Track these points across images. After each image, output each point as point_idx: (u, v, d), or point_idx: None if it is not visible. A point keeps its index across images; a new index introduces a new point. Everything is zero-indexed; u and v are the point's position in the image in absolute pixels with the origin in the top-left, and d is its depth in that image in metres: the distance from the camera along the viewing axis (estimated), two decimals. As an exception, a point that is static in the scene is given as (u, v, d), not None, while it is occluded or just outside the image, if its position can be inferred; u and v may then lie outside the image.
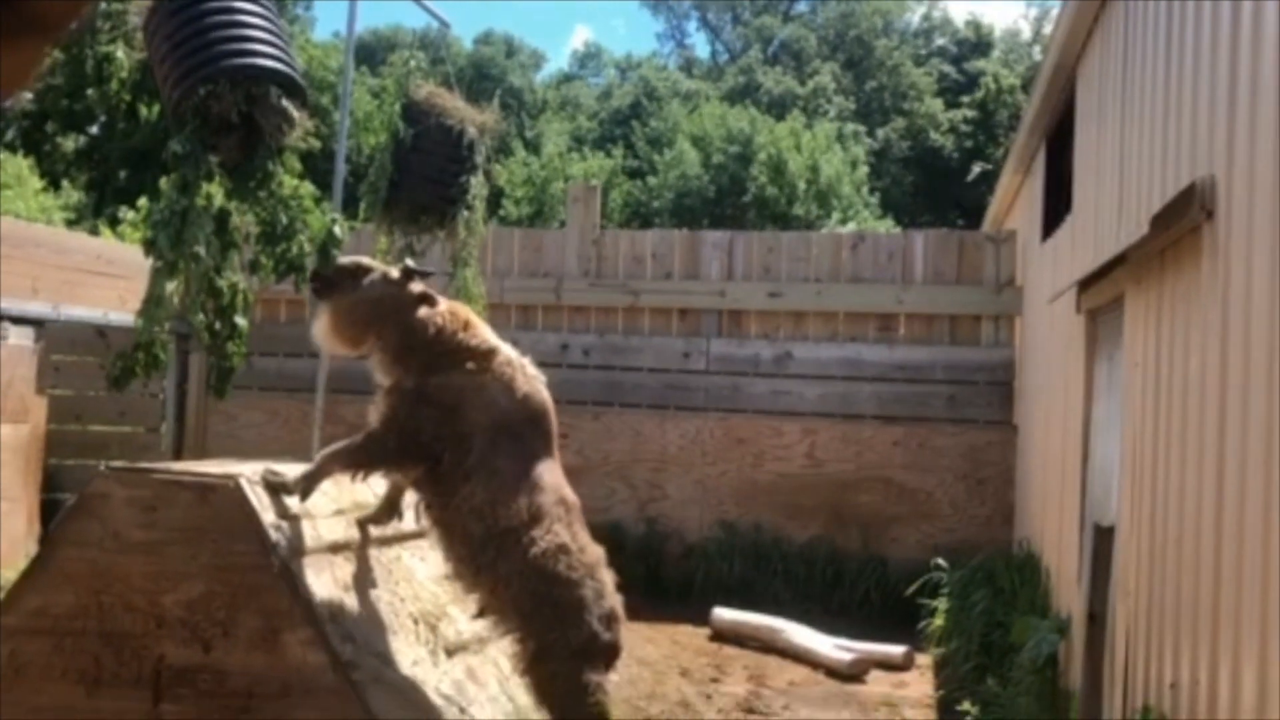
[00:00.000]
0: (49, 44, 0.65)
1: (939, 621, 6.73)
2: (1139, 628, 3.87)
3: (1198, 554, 3.17)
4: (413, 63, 5.05)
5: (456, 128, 4.82)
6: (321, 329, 4.03)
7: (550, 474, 3.82)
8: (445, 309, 4.01)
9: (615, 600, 3.73)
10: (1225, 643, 2.87)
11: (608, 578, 3.74)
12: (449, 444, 3.73)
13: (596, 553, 3.75)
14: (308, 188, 3.99)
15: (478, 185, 4.97)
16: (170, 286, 3.77)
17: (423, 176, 4.76)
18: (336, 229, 3.95)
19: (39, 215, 17.71)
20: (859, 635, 6.93)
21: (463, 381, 3.82)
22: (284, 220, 3.84)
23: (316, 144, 3.97)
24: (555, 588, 3.59)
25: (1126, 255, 4.09)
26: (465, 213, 4.95)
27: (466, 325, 3.96)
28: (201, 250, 3.71)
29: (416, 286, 4.00)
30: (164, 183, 3.73)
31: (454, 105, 4.92)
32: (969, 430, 8.26)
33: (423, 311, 3.95)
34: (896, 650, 6.73)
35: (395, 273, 4.02)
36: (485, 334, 3.99)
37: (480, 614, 3.83)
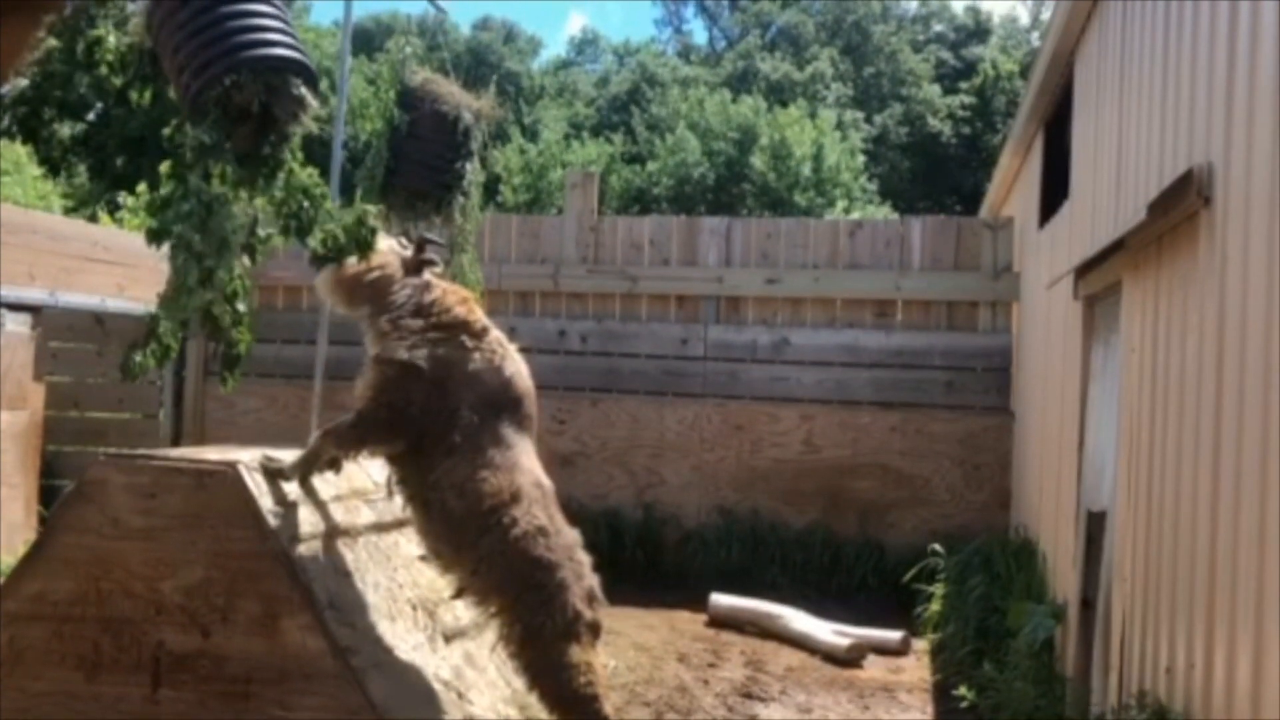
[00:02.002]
0: (41, 25, 0.65)
1: (936, 607, 6.76)
2: (1135, 612, 3.88)
3: (1194, 538, 3.18)
4: (408, 49, 5.04)
5: (452, 114, 4.81)
6: (325, 277, 4.12)
7: (527, 457, 3.86)
8: (444, 284, 4.10)
9: (593, 579, 3.76)
10: (1221, 627, 2.89)
11: (585, 558, 3.77)
12: (436, 418, 3.75)
13: (572, 534, 3.79)
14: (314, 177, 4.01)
15: (474, 171, 4.96)
16: (195, 276, 3.79)
17: (419, 163, 4.76)
18: (370, 219, 3.98)
19: (38, 202, 17.69)
20: (856, 621, 6.95)
21: (453, 355, 3.85)
22: (309, 209, 3.85)
23: (314, 128, 3.99)
24: (537, 570, 3.62)
25: (1124, 241, 4.10)
26: (461, 199, 4.95)
27: (464, 301, 4.04)
28: (230, 239, 3.74)
29: (423, 255, 4.11)
30: (190, 175, 3.71)
31: (449, 91, 4.91)
32: (966, 416, 8.28)
33: (426, 274, 4.05)
34: (893, 635, 6.75)
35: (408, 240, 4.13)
36: (479, 313, 4.05)
37: (458, 594, 3.85)
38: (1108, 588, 4.46)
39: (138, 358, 4.03)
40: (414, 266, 4.07)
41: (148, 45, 3.88)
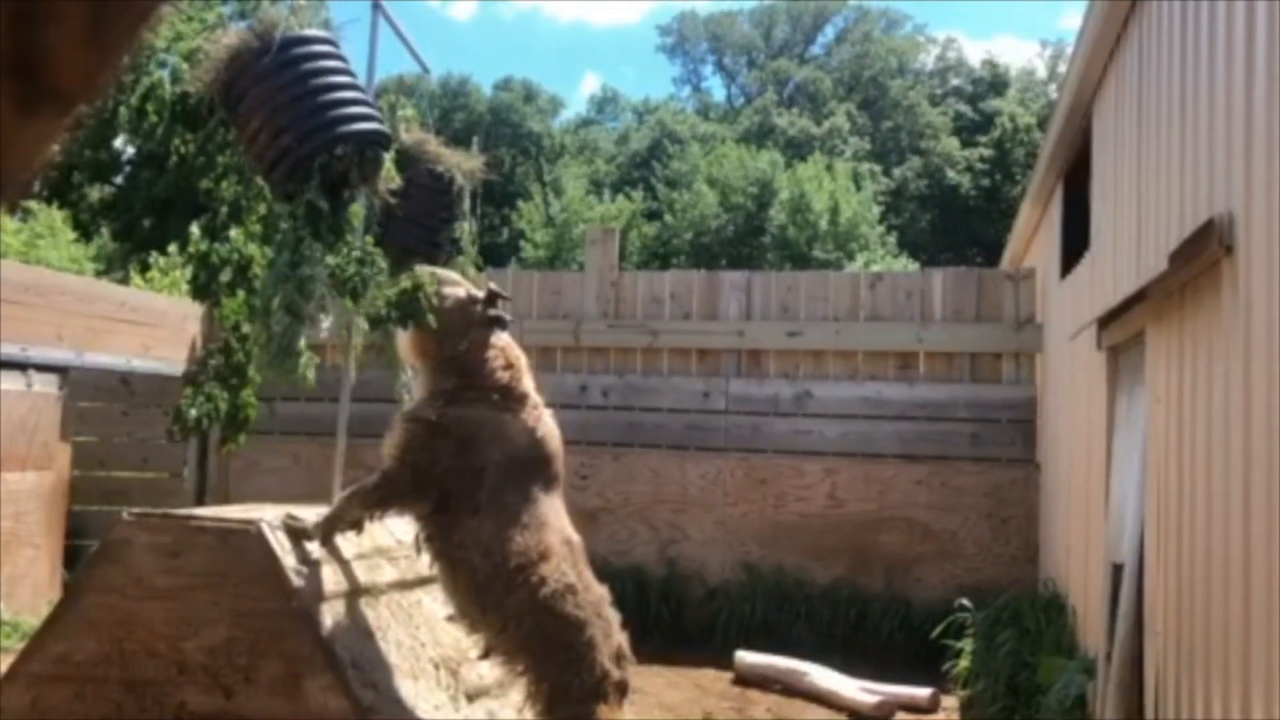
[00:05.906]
0: (68, 118, 0.64)
1: (965, 663, 6.65)
2: (1168, 666, 3.81)
3: (1226, 591, 3.13)
4: (400, 111, 5.11)
5: (447, 174, 4.87)
6: (404, 340, 4.12)
7: (555, 514, 3.83)
8: (501, 344, 4.03)
9: (622, 637, 3.72)
10: (1257, 682, 2.83)
11: (613, 615, 3.74)
12: (461, 477, 3.74)
13: (600, 591, 3.76)
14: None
15: (467, 229, 5.02)
16: (302, 341, 3.85)
17: (409, 220, 4.80)
18: (427, 284, 4.03)
19: (71, 265, 17.93)
20: (883, 677, 6.85)
21: (482, 415, 3.83)
22: (365, 274, 3.90)
23: (389, 198, 4.11)
24: (566, 629, 3.58)
25: (1146, 292, 4.08)
26: (460, 257, 5.00)
27: (509, 365, 3.98)
28: (310, 303, 3.80)
29: (494, 310, 4.06)
30: (304, 241, 3.74)
31: (440, 151, 4.96)
32: (992, 469, 8.20)
33: (493, 337, 3.99)
34: (922, 692, 6.65)
35: (480, 293, 4.09)
36: (523, 377, 4.00)
37: (485, 654, 3.82)
38: (1123, 640, 4.39)
39: (193, 413, 4.07)
40: (483, 321, 4.02)
41: (210, 97, 3.90)
